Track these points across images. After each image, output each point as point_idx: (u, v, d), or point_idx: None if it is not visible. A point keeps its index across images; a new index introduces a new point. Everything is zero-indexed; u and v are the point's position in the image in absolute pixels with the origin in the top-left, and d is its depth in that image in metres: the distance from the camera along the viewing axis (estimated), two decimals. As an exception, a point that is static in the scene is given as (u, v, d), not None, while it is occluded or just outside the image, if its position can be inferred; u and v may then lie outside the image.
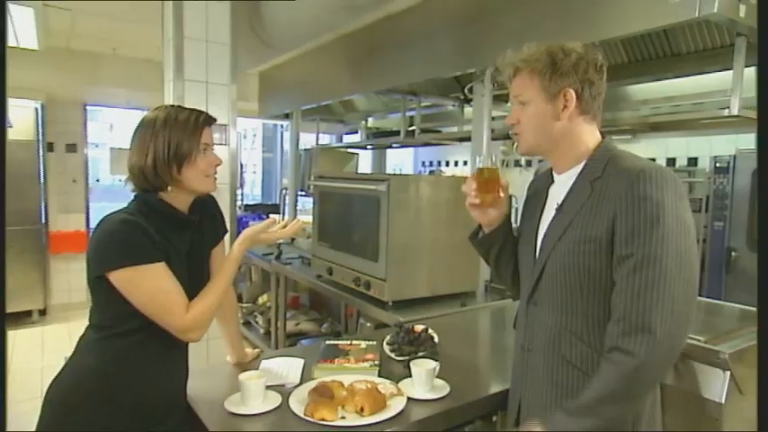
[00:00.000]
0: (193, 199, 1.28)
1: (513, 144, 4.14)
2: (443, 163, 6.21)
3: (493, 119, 2.66)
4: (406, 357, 1.52)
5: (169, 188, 1.21)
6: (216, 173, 1.27)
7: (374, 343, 1.60)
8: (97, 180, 5.93)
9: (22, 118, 4.53)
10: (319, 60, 3.69)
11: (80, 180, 5.24)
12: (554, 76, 1.05)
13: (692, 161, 3.68)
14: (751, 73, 1.77)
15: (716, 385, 1.51)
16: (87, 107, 5.24)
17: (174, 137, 1.18)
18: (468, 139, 3.45)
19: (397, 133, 4.06)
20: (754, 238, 3.03)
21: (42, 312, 4.98)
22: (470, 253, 2.41)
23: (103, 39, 3.97)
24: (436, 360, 1.38)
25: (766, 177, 0.92)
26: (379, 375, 1.40)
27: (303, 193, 4.58)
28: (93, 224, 5.47)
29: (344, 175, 3.54)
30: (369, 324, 2.43)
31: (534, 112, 1.09)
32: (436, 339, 1.62)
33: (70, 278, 5.21)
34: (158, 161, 1.18)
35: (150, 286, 1.13)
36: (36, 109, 4.65)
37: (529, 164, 5.28)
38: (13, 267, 4.52)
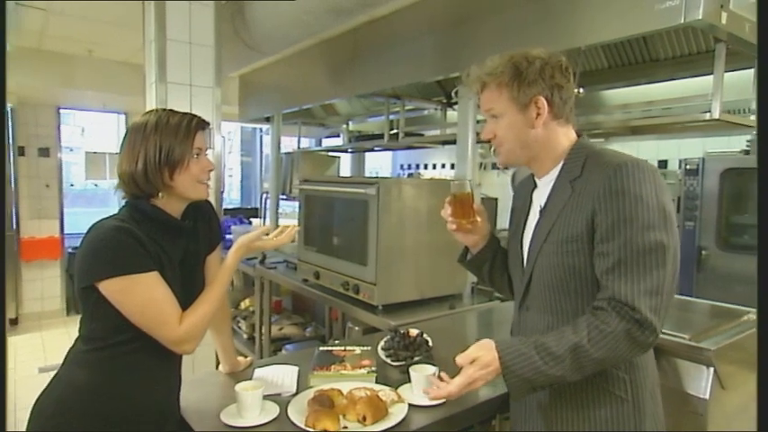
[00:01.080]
0: (187, 204, 1.25)
1: (490, 147, 4.21)
2: (422, 166, 6.24)
3: (477, 122, 2.69)
4: (403, 362, 1.51)
5: (161, 194, 1.18)
6: (209, 179, 1.25)
7: (369, 348, 1.59)
8: (71, 185, 5.76)
9: (-9, 121, 4.37)
10: (301, 64, 3.67)
11: (53, 185, 5.09)
12: (522, 86, 1.06)
13: (662, 164, 3.78)
14: (729, 78, 1.83)
15: (700, 382, 1.55)
16: (61, 110, 5.10)
17: (165, 141, 1.15)
18: (452, 142, 3.47)
19: (380, 136, 4.06)
20: (722, 237, 3.15)
21: (14, 322, 4.81)
22: (456, 255, 2.44)
23: (78, 40, 3.86)
24: (434, 365, 1.38)
25: (766, 177, 0.94)
26: (377, 381, 1.39)
27: (284, 196, 4.54)
28: (67, 230, 5.33)
29: (332, 178, 3.52)
30: (357, 328, 2.42)
31: (508, 124, 1.09)
32: (431, 343, 1.62)
33: (43, 286, 5.05)
34: (149, 167, 1.14)
35: (142, 296, 1.10)
36: (6, 112, 4.50)
37: (506, 167, 5.36)
38: (-18, 276, 4.35)
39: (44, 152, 5.00)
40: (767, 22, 1.02)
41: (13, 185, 4.69)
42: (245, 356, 1.57)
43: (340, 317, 3.25)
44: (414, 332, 1.64)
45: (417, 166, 6.38)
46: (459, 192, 1.23)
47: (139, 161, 1.14)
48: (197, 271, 1.29)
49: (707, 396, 1.54)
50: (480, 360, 0.99)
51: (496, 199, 2.55)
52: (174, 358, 1.23)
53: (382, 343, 1.64)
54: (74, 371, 1.16)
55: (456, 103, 3.36)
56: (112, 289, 1.09)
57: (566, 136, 1.12)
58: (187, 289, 1.21)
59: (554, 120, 1.09)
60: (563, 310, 1.07)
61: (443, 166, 5.95)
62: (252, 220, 5.00)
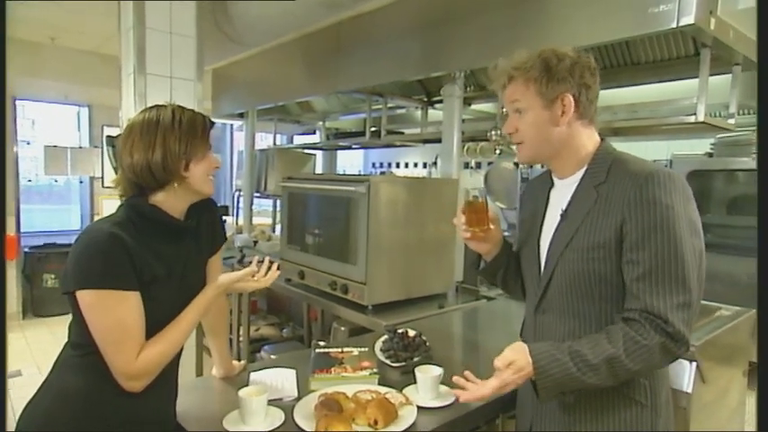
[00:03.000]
0: (189, 205, 1.18)
1: (476, 147, 4.22)
2: (394, 164, 6.25)
3: (463, 121, 2.69)
4: (403, 363, 1.49)
5: (175, 184, 1.12)
6: (214, 175, 1.19)
7: (367, 350, 1.56)
8: (29, 180, 5.45)
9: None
10: (279, 59, 3.59)
11: (9, 181, 4.80)
12: (550, 82, 1.06)
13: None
14: (713, 81, 1.90)
15: (683, 376, 1.60)
16: (17, 101, 4.81)
17: (185, 135, 1.10)
18: (434, 141, 3.48)
19: (360, 134, 4.02)
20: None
21: (-35, 326, 4.51)
22: (444, 254, 2.45)
23: (41, 26, 3.64)
24: (436, 365, 1.36)
25: (766, 177, 0.96)
26: (379, 383, 1.36)
27: (259, 194, 4.44)
28: (24, 228, 5.05)
29: (318, 176, 3.46)
30: (343, 329, 2.38)
31: (533, 120, 1.09)
32: (428, 344, 1.60)
33: (-2, 287, 4.76)
34: (170, 155, 1.09)
35: (111, 316, 1.01)
36: (6, 108, 4.22)
37: (479, 166, 5.42)
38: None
39: (-2, 145, 4.71)
40: (767, 23, 1.04)
41: (-37, 180, 4.39)
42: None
43: (320, 317, 3.20)
44: (412, 333, 1.62)
45: (389, 165, 6.37)
46: (473, 200, 1.22)
47: (156, 151, 1.07)
48: (198, 275, 1.23)
49: (690, 390, 1.59)
50: (515, 364, 0.98)
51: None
52: (171, 361, 1.15)
53: (380, 344, 1.61)
54: (65, 377, 1.08)
55: (438, 102, 3.36)
56: (86, 300, 1.01)
57: (589, 138, 1.12)
58: (186, 294, 1.14)
59: (578, 120, 1.09)
60: (586, 315, 1.07)
61: (416, 164, 5.97)
62: (224, 218, 4.87)
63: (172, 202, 1.13)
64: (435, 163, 5.38)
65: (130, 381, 1.03)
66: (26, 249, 4.92)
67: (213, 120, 1.21)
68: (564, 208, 1.12)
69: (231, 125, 6.45)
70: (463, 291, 2.53)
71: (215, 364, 1.44)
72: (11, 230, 4.82)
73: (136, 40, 2.14)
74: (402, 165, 6.13)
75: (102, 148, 4.28)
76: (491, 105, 3.53)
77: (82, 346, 1.06)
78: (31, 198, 5.97)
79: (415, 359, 1.51)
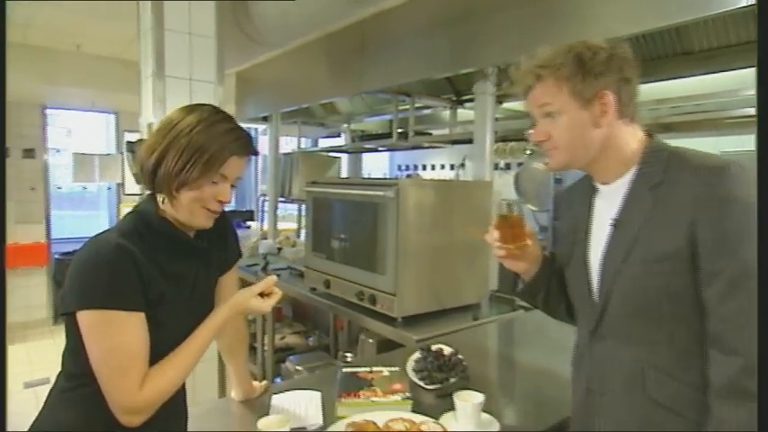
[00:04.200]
0: None
1: (506, 147, 4.05)
2: (420, 167, 6.09)
3: (496, 119, 2.54)
4: (439, 385, 1.35)
5: (162, 199, 1.00)
6: (219, 209, 1.03)
7: (398, 369, 1.43)
8: (59, 188, 5.52)
9: (-27, 121, 4.14)
10: (303, 60, 3.50)
11: (39, 187, 4.86)
12: (586, 80, 0.91)
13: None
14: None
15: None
16: (47, 110, 4.87)
17: (187, 153, 0.95)
18: (463, 142, 3.33)
19: (386, 136, 3.90)
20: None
21: (-3, 332, 4.57)
22: (477, 261, 2.30)
23: (66, 34, 3.65)
24: (478, 391, 1.22)
25: (766, 177, 0.81)
26: (412, 409, 1.23)
27: (283, 199, 4.36)
28: (54, 234, 5.10)
29: (344, 180, 3.35)
30: (371, 341, 2.25)
31: (568, 124, 0.94)
32: (465, 363, 1.46)
33: (29, 294, 4.82)
34: (163, 167, 0.96)
35: (113, 340, 0.89)
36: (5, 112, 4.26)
37: (508, 167, 5.23)
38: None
39: (29, 153, 4.77)
40: (767, 23, 0.90)
41: (-4, 188, 4.45)
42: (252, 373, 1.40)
43: (346, 326, 3.08)
44: (447, 350, 1.48)
45: (415, 167, 6.22)
46: (507, 213, 1.06)
47: (153, 156, 0.96)
48: (208, 295, 1.12)
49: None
50: None
51: (513, 201, 2.41)
52: (179, 389, 1.03)
53: (412, 363, 1.48)
54: (58, 413, 0.97)
55: (468, 101, 3.22)
56: (87, 321, 0.90)
57: (633, 136, 0.97)
58: (195, 316, 1.03)
59: (620, 118, 0.95)
60: (656, 341, 0.91)
61: (442, 166, 5.80)
62: (249, 223, 4.82)
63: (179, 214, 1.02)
64: (463, 164, 5.22)
65: (130, 415, 0.90)
66: (57, 255, 4.97)
67: (239, 124, 1.03)
68: (615, 216, 0.96)
69: (256, 129, 6.42)
70: (498, 300, 2.37)
71: (233, 386, 1.33)
72: (41, 237, 4.88)
73: (154, 41, 2.07)
74: (428, 167, 5.96)
75: (123, 153, 4.28)
76: (520, 104, 3.37)
77: (77, 377, 0.95)
78: (63, 205, 6.07)
79: (452, 380, 1.37)
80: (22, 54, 3.83)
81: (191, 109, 1.00)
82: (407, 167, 6.25)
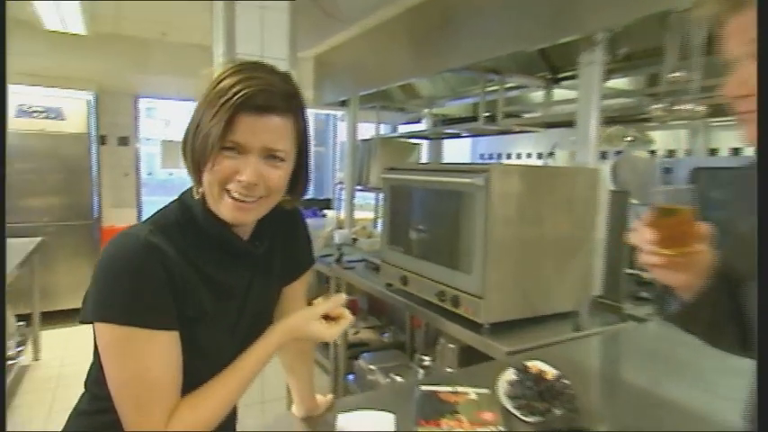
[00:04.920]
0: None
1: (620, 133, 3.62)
2: (504, 155, 5.68)
3: (604, 97, 2.17)
4: (540, 418, 1.09)
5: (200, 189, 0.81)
6: (247, 195, 0.77)
7: (488, 392, 1.18)
8: (149, 174, 5.79)
9: (76, 110, 4.38)
10: (381, 39, 3.29)
11: (132, 174, 5.10)
12: None
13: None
14: None
15: None
16: (140, 99, 5.07)
17: (206, 114, 0.75)
18: (559, 125, 2.97)
19: (468, 120, 3.61)
20: None
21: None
22: (577, 261, 1.98)
23: (151, 22, 3.70)
24: (586, 429, 0.95)
25: (766, 177, 0.56)
26: (508, 449, 0.98)
27: (361, 187, 4.21)
28: (145, 218, 5.35)
29: (425, 165, 3.10)
30: (452, 346, 2.02)
31: None
32: (572, 391, 1.18)
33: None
34: (187, 146, 0.79)
35: (134, 364, 0.72)
36: (89, 101, 4.50)
37: (604, 156, 4.72)
38: (67, 264, 4.40)
39: (123, 141, 5.01)
40: (767, 23, 0.53)
41: (94, 174, 4.70)
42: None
43: (423, 325, 2.87)
44: (550, 372, 1.21)
45: (499, 156, 5.83)
46: (671, 207, 0.75)
47: (185, 132, 0.79)
48: (264, 311, 0.92)
49: None
50: None
51: (626, 192, 2.02)
52: (229, 413, 0.84)
53: (505, 384, 1.22)
54: None
55: (565, 78, 2.85)
56: (101, 337, 0.72)
57: None
58: (244, 337, 0.84)
59: None
60: None
61: (529, 155, 5.35)
62: (325, 212, 4.74)
63: None
64: (552, 153, 4.78)
65: None
66: (148, 240, 5.20)
67: (317, 110, 0.87)
68: None
69: (335, 116, 6.35)
70: (602, 308, 2.03)
71: (294, 401, 1.15)
72: (133, 221, 5.11)
73: (226, 17, 1.94)
74: (513, 155, 5.55)
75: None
76: (624, 81, 2.93)
77: (98, 399, 0.80)
78: (156, 191, 6.39)
79: (556, 412, 1.10)
80: (114, 43, 3.96)
81: (250, 67, 0.80)
82: (491, 156, 5.87)
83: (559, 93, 3.02)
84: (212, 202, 0.79)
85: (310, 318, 0.84)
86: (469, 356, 1.98)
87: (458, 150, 5.91)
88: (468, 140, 5.89)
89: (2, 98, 1.24)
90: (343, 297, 0.88)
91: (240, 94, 0.73)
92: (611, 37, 2.01)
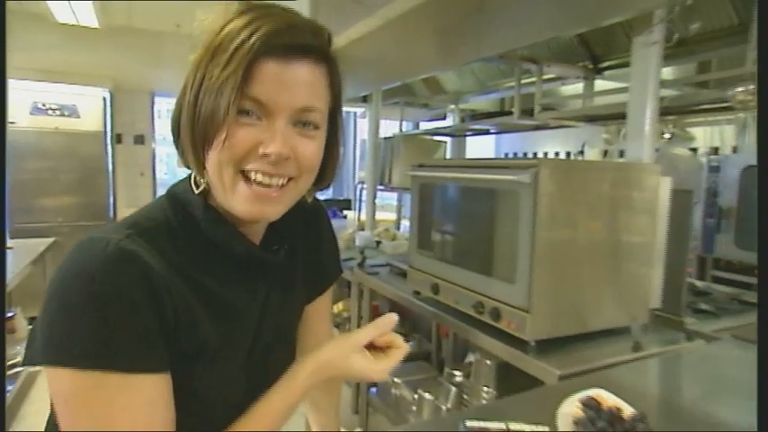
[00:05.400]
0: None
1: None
2: (530, 154, 5.43)
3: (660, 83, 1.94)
4: (618, 472, 0.88)
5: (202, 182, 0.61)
6: (274, 175, 0.58)
7: (547, 430, 0.97)
8: (165, 173, 5.69)
9: (91, 108, 4.28)
10: (405, 29, 3.09)
11: (148, 173, 4.99)
12: None
13: None
14: None
15: None
16: (155, 97, 4.96)
17: (210, 72, 0.56)
18: (599, 119, 2.73)
19: (499, 114, 3.39)
20: None
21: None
22: (634, 270, 1.76)
23: (164, 14, 3.57)
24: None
25: (766, 177, 0.48)
26: None
27: (383, 187, 4.02)
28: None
29: (459, 161, 2.89)
30: (489, 362, 1.81)
31: None
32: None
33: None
34: (182, 122, 0.59)
35: (110, 419, 0.51)
36: (104, 98, 4.39)
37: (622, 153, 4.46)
38: (80, 265, 4.30)
39: (139, 140, 4.90)
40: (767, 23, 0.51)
41: (110, 174, 4.60)
42: None
43: (451, 334, 2.66)
44: (627, 411, 0.99)
45: (525, 155, 5.58)
46: None
47: (175, 105, 0.60)
48: (282, 340, 0.70)
49: None
50: None
51: (691, 191, 1.78)
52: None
53: (569, 422, 1.01)
54: None
55: (608, 68, 2.61)
56: (61, 387, 0.52)
57: None
58: (260, 371, 0.64)
59: None
60: None
61: (557, 154, 5.11)
62: (345, 212, 4.56)
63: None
64: (581, 152, 4.53)
65: None
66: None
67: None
68: None
69: (355, 113, 6.17)
70: (662, 323, 1.79)
71: (313, 425, 0.95)
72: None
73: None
74: (540, 154, 5.30)
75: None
76: (670, 71, 2.69)
77: None
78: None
79: (638, 463, 0.89)
80: (127, 36, 3.84)
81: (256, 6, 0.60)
82: (516, 155, 5.63)
83: (600, 84, 2.79)
84: (222, 192, 0.59)
85: (350, 350, 0.63)
86: (508, 374, 1.78)
87: (481, 149, 5.69)
88: (492, 139, 5.66)
89: (2, 98, 1.11)
90: (394, 318, 0.67)
91: (260, 31, 0.54)
92: (674, 20, 1.78)
